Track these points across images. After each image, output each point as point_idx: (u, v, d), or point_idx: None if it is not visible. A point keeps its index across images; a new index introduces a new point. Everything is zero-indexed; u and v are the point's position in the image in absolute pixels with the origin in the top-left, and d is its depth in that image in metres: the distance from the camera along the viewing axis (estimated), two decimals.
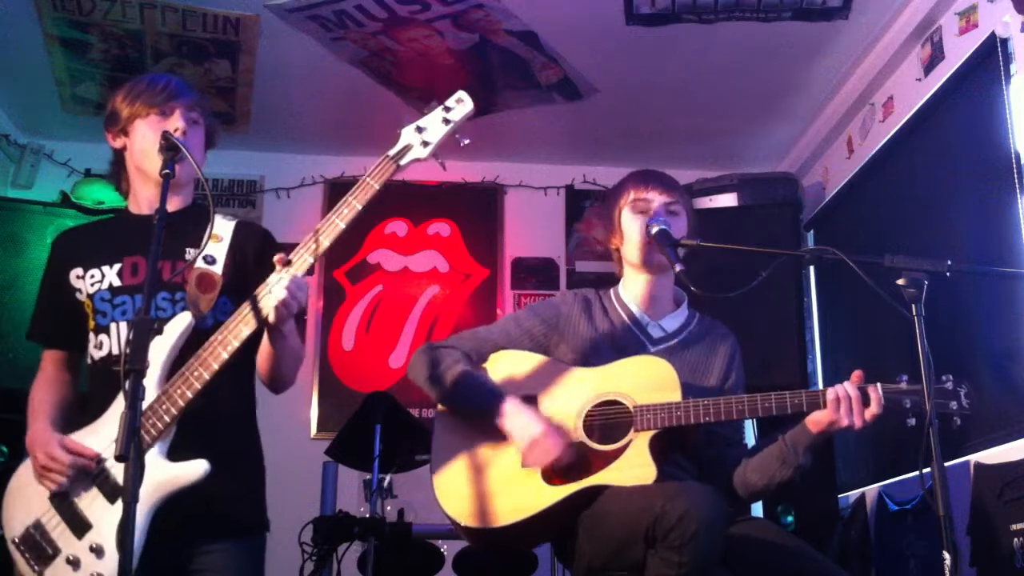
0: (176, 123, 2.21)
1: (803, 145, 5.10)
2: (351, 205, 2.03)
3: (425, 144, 2.04)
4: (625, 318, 2.50)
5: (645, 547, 1.99)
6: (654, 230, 2.38)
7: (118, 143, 2.30)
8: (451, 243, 5.35)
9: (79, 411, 2.23)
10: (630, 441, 2.24)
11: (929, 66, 3.89)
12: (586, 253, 5.40)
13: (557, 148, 5.29)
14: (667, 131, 4.97)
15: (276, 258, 2.00)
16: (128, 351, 1.67)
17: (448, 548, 3.84)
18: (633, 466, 2.20)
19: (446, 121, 2.04)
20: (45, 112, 4.81)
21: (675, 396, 2.25)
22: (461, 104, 2.05)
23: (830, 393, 2.15)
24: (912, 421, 2.09)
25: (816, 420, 2.19)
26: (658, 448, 2.22)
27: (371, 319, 5.18)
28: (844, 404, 2.14)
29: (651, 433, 2.23)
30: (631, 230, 2.46)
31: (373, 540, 3.48)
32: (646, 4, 3.93)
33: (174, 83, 2.30)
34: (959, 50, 3.63)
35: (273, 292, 1.97)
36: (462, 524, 2.30)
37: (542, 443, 2.24)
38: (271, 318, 2.00)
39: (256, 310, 2.00)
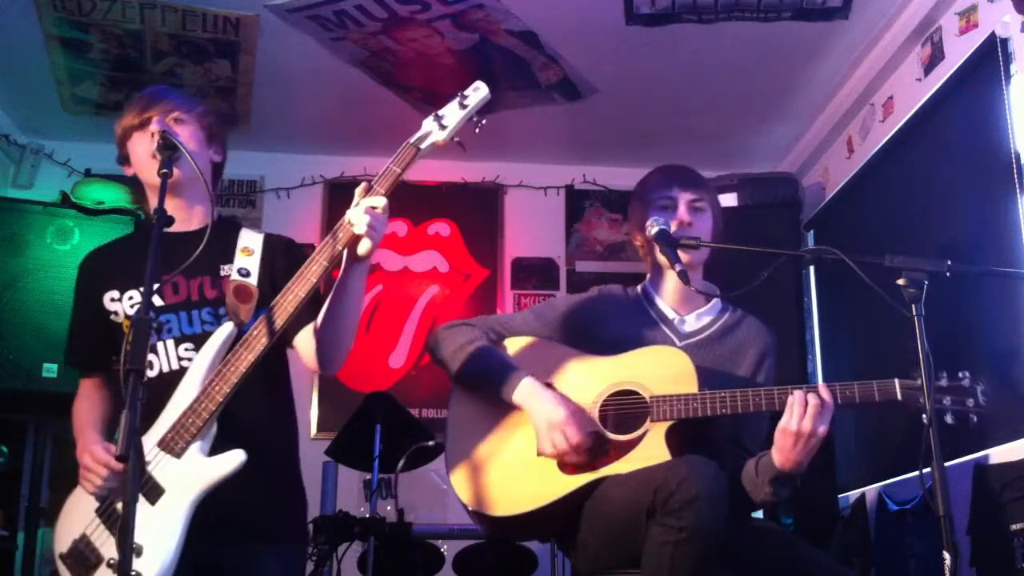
0: (152, 128, 2.19)
1: (803, 145, 5.10)
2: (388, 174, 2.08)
3: (443, 128, 2.11)
4: (652, 314, 2.47)
5: (647, 521, 1.97)
6: (653, 230, 2.36)
7: (130, 171, 2.33)
8: (451, 243, 5.35)
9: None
10: (646, 432, 2.21)
11: (929, 66, 3.89)
12: (586, 253, 5.40)
13: (557, 148, 5.29)
14: (667, 131, 4.96)
15: (360, 187, 2.06)
16: (128, 351, 1.67)
17: (448, 548, 3.84)
18: (649, 457, 2.16)
19: (462, 106, 2.13)
20: (45, 112, 4.81)
21: (692, 388, 2.22)
22: (477, 91, 2.15)
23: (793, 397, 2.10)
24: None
25: (776, 447, 2.13)
26: (674, 440, 2.19)
27: (371, 319, 5.18)
28: (798, 405, 2.09)
29: (667, 424, 2.20)
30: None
31: (373, 540, 3.49)
32: (646, 4, 3.93)
33: (146, 95, 2.31)
34: (959, 50, 3.63)
35: (357, 216, 2.02)
36: (477, 511, 2.28)
37: (563, 428, 2.21)
38: (362, 244, 2.03)
39: (285, 302, 2.04)
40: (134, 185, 2.36)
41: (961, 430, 1.96)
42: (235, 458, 1.99)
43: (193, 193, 2.26)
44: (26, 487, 3.72)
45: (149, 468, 2.02)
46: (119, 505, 2.03)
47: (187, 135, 2.25)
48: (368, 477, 3.74)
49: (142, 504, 2.00)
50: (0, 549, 3.63)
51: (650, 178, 2.53)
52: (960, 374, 2.09)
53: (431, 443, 3.63)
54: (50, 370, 3.59)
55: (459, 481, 2.32)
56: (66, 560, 2.07)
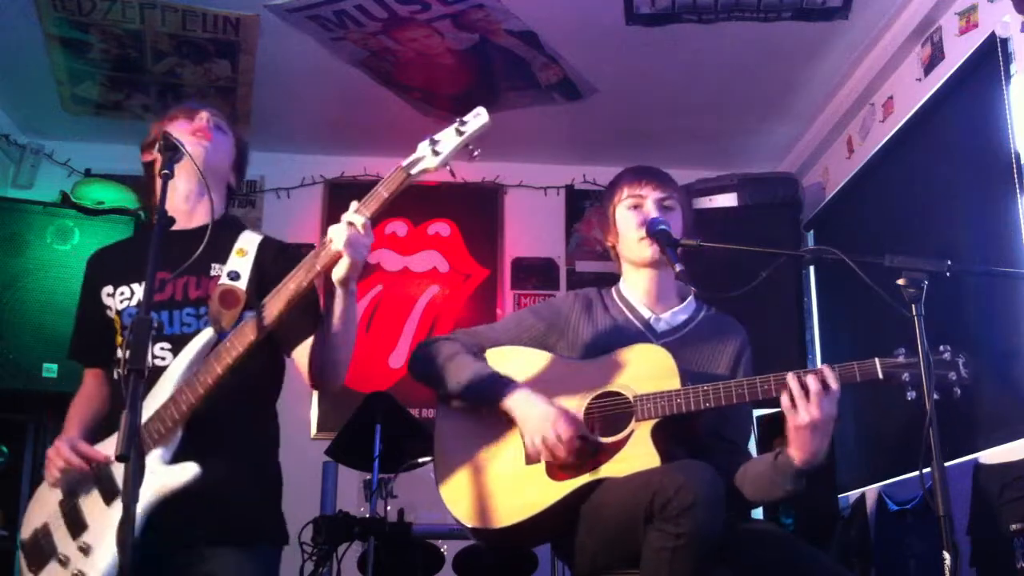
0: (201, 119, 2.27)
1: (803, 145, 5.10)
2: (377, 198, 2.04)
3: (436, 154, 2.05)
4: (628, 314, 2.48)
5: (645, 526, 1.97)
6: (655, 230, 2.37)
7: (149, 157, 2.33)
8: (451, 243, 5.35)
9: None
10: (632, 431, 2.22)
11: (929, 66, 3.89)
12: (586, 253, 5.40)
13: (557, 148, 5.29)
14: (667, 131, 4.97)
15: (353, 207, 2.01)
16: (128, 351, 1.67)
17: (448, 548, 3.84)
18: (637, 456, 2.18)
19: (459, 132, 2.05)
20: (45, 112, 4.81)
21: (674, 384, 2.23)
22: (477, 118, 2.06)
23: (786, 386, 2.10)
24: (912, 394, 2.04)
25: (794, 445, 2.12)
26: (661, 438, 2.20)
27: (371, 319, 5.18)
28: (799, 397, 2.09)
29: (653, 422, 2.20)
30: (626, 227, 2.46)
31: (373, 540, 3.49)
32: (646, 4, 3.93)
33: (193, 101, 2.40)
34: (959, 50, 3.63)
35: (336, 229, 1.98)
36: (470, 526, 2.28)
37: (555, 425, 2.20)
38: (339, 264, 2.00)
39: (261, 317, 2.01)
40: (146, 182, 2.35)
41: (947, 404, 1.95)
42: (188, 471, 1.96)
43: (189, 183, 2.28)
44: (26, 487, 3.73)
45: (112, 467, 2.02)
46: (81, 501, 2.05)
47: (225, 147, 2.33)
48: (368, 477, 3.74)
49: (99, 503, 2.03)
50: (0, 549, 3.63)
51: (619, 178, 2.55)
52: (941, 347, 2.08)
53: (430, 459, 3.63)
54: (50, 370, 3.59)
55: (452, 499, 2.32)
56: (24, 548, 2.08)
